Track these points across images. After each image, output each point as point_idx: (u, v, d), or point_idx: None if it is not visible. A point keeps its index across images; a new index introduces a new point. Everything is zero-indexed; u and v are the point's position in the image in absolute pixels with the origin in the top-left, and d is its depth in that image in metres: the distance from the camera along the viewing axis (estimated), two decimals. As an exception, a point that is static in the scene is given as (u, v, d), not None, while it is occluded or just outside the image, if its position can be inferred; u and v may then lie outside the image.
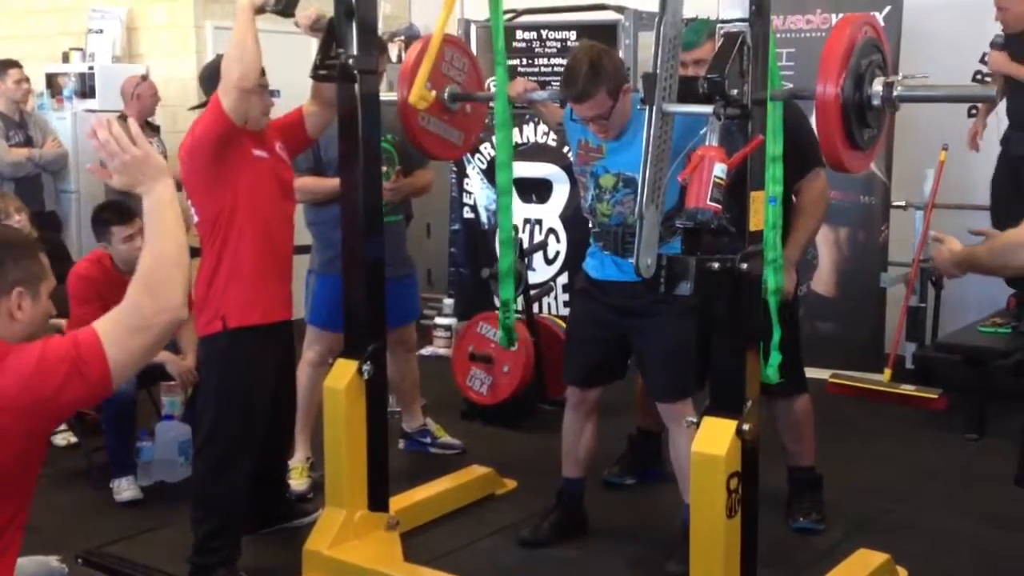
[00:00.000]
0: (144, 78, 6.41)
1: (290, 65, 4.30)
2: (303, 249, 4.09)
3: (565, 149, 5.97)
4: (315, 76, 3.46)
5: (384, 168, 3.83)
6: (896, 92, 2.79)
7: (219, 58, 3.55)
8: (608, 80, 3.30)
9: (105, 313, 2.91)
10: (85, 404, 2.13)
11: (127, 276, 4.22)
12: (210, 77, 3.40)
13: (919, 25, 5.81)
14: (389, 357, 4.47)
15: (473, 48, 6.21)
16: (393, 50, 7.84)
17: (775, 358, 3.11)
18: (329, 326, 4.11)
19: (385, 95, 3.64)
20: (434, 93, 3.62)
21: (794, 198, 3.61)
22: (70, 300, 4.24)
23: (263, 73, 3.37)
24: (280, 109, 3.63)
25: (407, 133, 3.76)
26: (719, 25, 2.83)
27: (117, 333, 2.06)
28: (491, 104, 3.86)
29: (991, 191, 5.39)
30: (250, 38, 3.18)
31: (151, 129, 6.43)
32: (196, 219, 3.42)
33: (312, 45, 3.56)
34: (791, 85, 5.81)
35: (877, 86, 2.78)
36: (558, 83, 5.95)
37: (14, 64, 6.07)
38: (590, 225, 3.59)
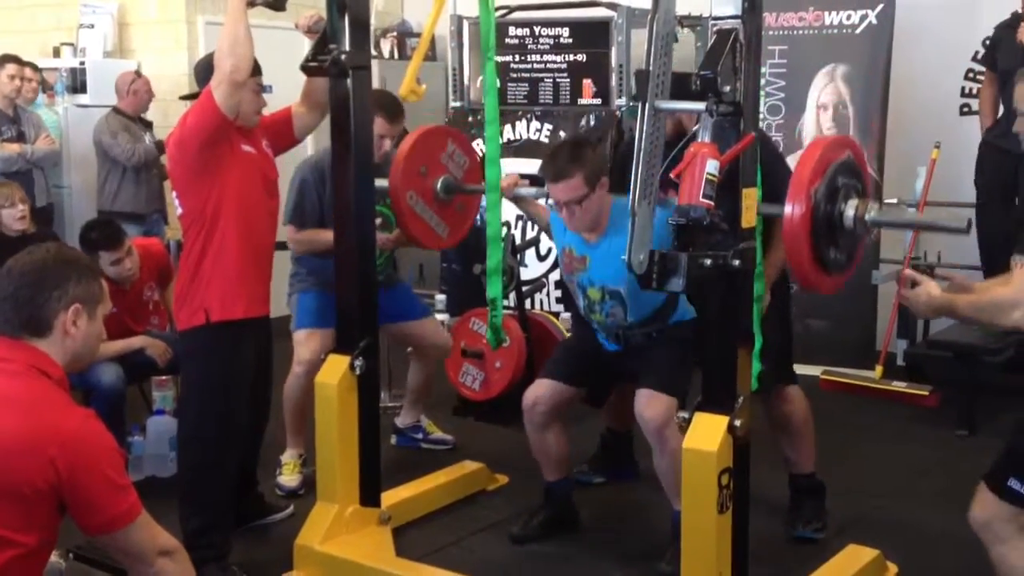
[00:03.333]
0: (139, 74, 6.40)
1: (281, 61, 4.29)
2: (283, 245, 4.11)
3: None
4: (306, 69, 3.46)
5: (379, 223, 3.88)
6: (868, 216, 2.81)
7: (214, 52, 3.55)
8: (587, 166, 3.38)
9: None
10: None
11: (114, 285, 4.25)
12: (205, 70, 3.41)
13: (911, 23, 5.83)
14: (416, 357, 4.50)
15: (466, 45, 6.24)
16: (386, 46, 7.86)
17: (755, 367, 3.07)
18: (318, 324, 4.14)
19: (378, 181, 3.66)
20: (425, 87, 3.62)
21: None
22: None
23: (259, 72, 3.37)
24: (272, 104, 3.62)
25: (395, 212, 3.79)
26: (712, 21, 2.82)
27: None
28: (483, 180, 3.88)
29: (977, 190, 5.39)
30: (242, 31, 3.17)
31: (144, 125, 6.43)
32: (180, 211, 3.41)
33: (305, 42, 3.56)
34: (783, 83, 5.86)
35: (849, 209, 2.80)
36: (550, 80, 6.04)
37: (12, 59, 6.04)
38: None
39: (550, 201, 3.61)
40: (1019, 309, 2.53)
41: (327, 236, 4.05)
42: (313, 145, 7.27)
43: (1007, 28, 5.39)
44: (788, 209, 2.74)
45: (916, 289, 2.73)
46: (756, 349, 3.04)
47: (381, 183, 3.73)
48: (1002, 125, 5.32)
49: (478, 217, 6.36)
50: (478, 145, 6.11)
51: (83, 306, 2.23)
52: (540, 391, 3.64)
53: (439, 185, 3.91)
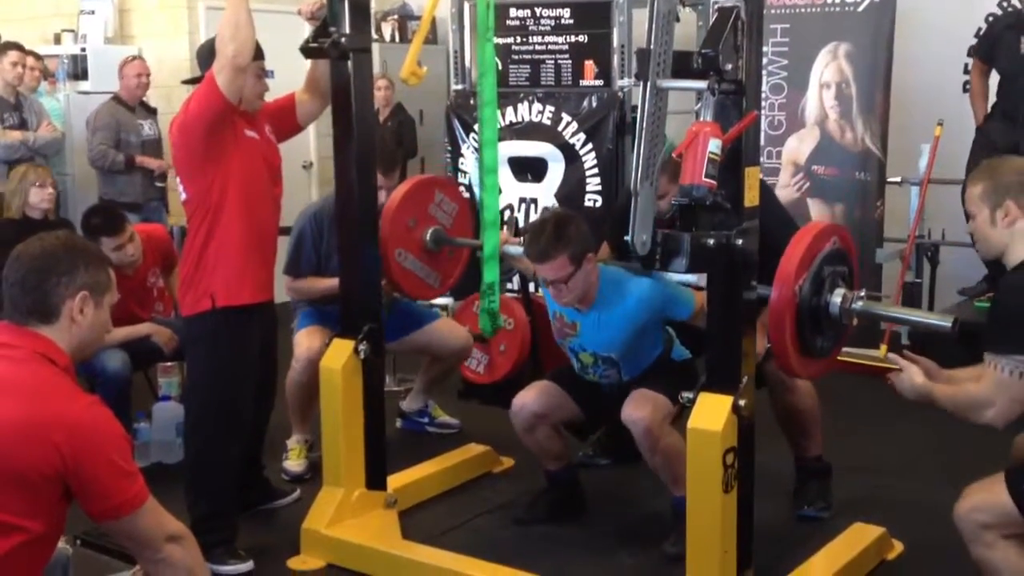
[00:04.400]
0: (134, 58, 6.37)
1: (283, 45, 4.28)
2: (287, 231, 4.13)
3: (560, 128, 5.97)
4: (306, 51, 3.44)
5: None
6: (855, 306, 2.83)
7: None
8: (571, 246, 3.30)
9: None
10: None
11: (117, 269, 4.25)
12: (207, 55, 3.41)
13: (913, 8, 5.80)
14: (432, 360, 4.48)
15: (467, 27, 6.22)
16: (387, 28, 7.84)
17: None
18: (319, 324, 4.19)
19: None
20: (426, 69, 3.61)
21: None
22: None
23: (261, 56, 3.36)
24: (274, 89, 3.62)
25: (384, 267, 3.76)
26: (713, 1, 2.81)
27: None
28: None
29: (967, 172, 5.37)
30: (243, 15, 3.15)
31: (147, 111, 6.41)
32: (184, 196, 3.41)
33: (306, 26, 3.55)
34: (785, 62, 5.83)
35: (836, 297, 2.83)
36: (551, 62, 6.03)
37: (14, 46, 6.03)
38: None
39: None
40: (991, 409, 2.60)
41: (322, 284, 4.11)
42: (315, 149, 7.31)
43: (1008, 28, 5.36)
44: (774, 296, 2.77)
45: (901, 376, 2.84)
46: None
47: None
48: (999, 119, 5.31)
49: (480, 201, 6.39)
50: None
51: (90, 294, 2.23)
52: (530, 395, 3.62)
53: (428, 237, 3.92)
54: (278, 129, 3.57)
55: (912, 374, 2.81)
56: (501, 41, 5.88)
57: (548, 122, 6.02)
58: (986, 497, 2.65)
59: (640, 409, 3.35)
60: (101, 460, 2.10)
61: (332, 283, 3.93)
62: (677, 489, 3.27)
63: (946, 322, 2.86)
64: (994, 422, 2.62)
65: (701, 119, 2.71)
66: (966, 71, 5.93)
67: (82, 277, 2.22)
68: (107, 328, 2.33)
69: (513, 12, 6.08)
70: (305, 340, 4.18)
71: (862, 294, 2.89)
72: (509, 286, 4.85)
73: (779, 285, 2.76)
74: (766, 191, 3.40)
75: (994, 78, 5.48)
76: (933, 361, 2.71)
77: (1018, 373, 2.53)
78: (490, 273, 3.78)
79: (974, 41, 5.76)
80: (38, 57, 6.35)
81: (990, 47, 5.42)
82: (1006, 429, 2.73)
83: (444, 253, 4.01)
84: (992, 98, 5.52)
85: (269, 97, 3.55)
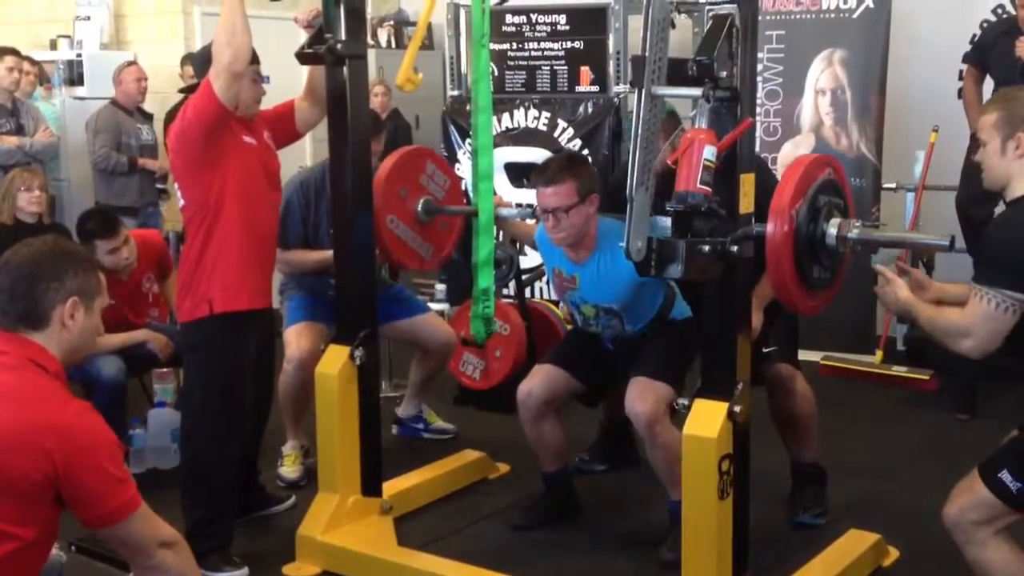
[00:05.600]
0: (131, 63, 6.37)
1: (278, 52, 4.28)
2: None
3: (555, 133, 5.97)
4: (301, 57, 3.45)
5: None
6: (851, 234, 2.80)
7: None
8: (580, 178, 3.37)
9: None
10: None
11: (112, 275, 4.24)
12: (204, 60, 3.41)
13: (909, 6, 5.81)
14: (420, 356, 4.49)
15: (462, 33, 6.22)
16: (383, 35, 7.84)
17: None
18: (307, 319, 4.18)
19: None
20: (421, 75, 3.61)
21: None
22: None
23: (257, 61, 3.36)
24: (269, 94, 3.62)
25: (376, 236, 3.72)
26: (708, 6, 2.81)
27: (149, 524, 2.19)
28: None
29: (961, 182, 5.36)
30: (240, 20, 3.15)
31: (144, 117, 6.42)
32: (182, 202, 3.41)
33: (302, 33, 3.55)
34: (780, 68, 5.84)
35: (832, 227, 2.80)
36: (547, 68, 6.03)
37: (10, 51, 6.03)
38: None
39: (535, 225, 3.62)
40: (968, 339, 2.58)
41: (312, 257, 4.09)
42: (311, 155, 7.30)
43: (1003, 35, 5.36)
44: (770, 228, 2.73)
45: (886, 288, 2.78)
46: None
47: None
48: None
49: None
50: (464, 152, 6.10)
51: (80, 299, 2.22)
52: (536, 380, 3.63)
53: (420, 207, 3.91)
54: (277, 135, 3.57)
55: (898, 287, 2.76)
56: (497, 47, 5.88)
57: (544, 128, 6.03)
58: (969, 495, 2.66)
59: (643, 402, 3.35)
60: (92, 466, 2.09)
61: (323, 255, 3.93)
62: (675, 492, 3.27)
63: (944, 241, 2.83)
64: (970, 352, 2.60)
65: (696, 126, 2.71)
66: (961, 77, 5.93)
67: (72, 282, 2.21)
68: (98, 332, 2.32)
69: (509, 18, 6.08)
70: (295, 340, 4.16)
71: (857, 223, 2.84)
72: (505, 291, 4.84)
73: (775, 216, 2.72)
74: (760, 165, 3.42)
75: (988, 84, 5.48)
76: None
77: (1003, 307, 2.51)
78: (484, 279, 3.78)
79: (969, 48, 5.77)
80: (34, 62, 6.35)
81: (984, 53, 5.43)
82: (1001, 431, 2.73)
83: (436, 224, 3.98)
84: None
85: (266, 104, 3.55)
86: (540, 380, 3.62)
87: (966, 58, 5.67)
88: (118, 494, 2.12)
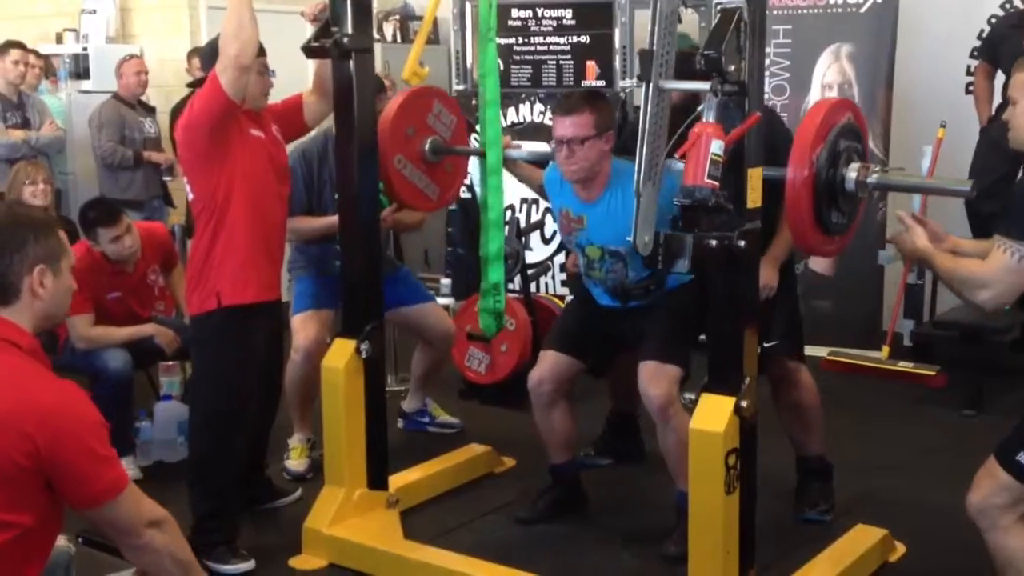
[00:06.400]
0: (132, 56, 6.37)
1: (284, 45, 4.28)
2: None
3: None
4: (307, 50, 3.44)
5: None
6: (870, 179, 2.78)
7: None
8: (600, 111, 3.37)
9: (92, 302, 2.89)
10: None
11: (117, 266, 4.24)
12: (211, 54, 3.41)
13: (915, 9, 5.79)
14: (421, 346, 4.50)
15: (468, 27, 6.21)
16: (388, 29, 7.83)
17: None
18: (314, 306, 4.18)
19: None
20: (427, 69, 3.60)
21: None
22: None
23: (263, 53, 3.36)
24: (276, 88, 3.62)
25: (383, 177, 3.70)
26: (716, 1, 2.80)
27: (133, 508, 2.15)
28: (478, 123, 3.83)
29: (970, 176, 5.36)
30: (246, 14, 3.15)
31: (146, 110, 6.42)
32: (191, 196, 3.41)
33: (307, 26, 3.55)
34: (787, 63, 5.83)
35: (851, 172, 2.78)
36: (553, 62, 6.02)
37: (16, 45, 6.03)
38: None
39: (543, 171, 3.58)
40: (987, 290, 2.58)
41: (317, 223, 4.08)
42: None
43: (1011, 28, 5.35)
44: (791, 174, 2.71)
45: (903, 235, 2.78)
46: None
47: None
48: (999, 124, 5.30)
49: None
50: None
51: (47, 265, 2.15)
52: (544, 367, 3.62)
53: (427, 147, 3.84)
54: (285, 129, 3.58)
55: (916, 235, 2.75)
56: (503, 42, 5.87)
57: (550, 123, 6.01)
58: (991, 482, 2.66)
59: (656, 386, 3.35)
60: (76, 447, 2.05)
61: (327, 221, 3.93)
62: (683, 482, 3.25)
63: (965, 187, 2.81)
64: (986, 303, 2.60)
65: (704, 120, 2.71)
66: (968, 73, 5.92)
67: (35, 249, 2.13)
68: (71, 290, 2.24)
69: (515, 12, 6.07)
70: (301, 329, 4.17)
71: (876, 167, 2.82)
72: (511, 286, 4.85)
73: (796, 161, 2.71)
74: (775, 118, 3.38)
75: (999, 80, 5.47)
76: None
77: None
78: (495, 273, 3.76)
79: (977, 43, 5.76)
80: (39, 55, 6.35)
81: (994, 48, 5.42)
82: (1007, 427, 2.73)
83: (443, 165, 3.93)
84: (997, 99, 5.51)
85: (273, 98, 3.55)
86: (547, 367, 3.61)
87: (976, 53, 5.65)
88: (104, 474, 2.08)
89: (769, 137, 2.87)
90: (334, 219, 3.75)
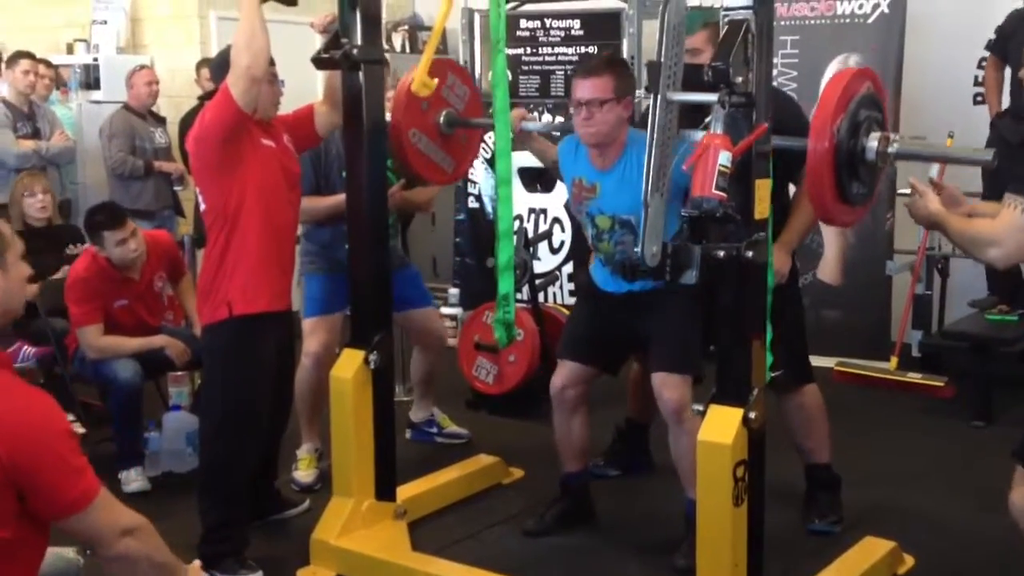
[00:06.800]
0: (143, 67, 6.41)
1: (292, 57, 4.30)
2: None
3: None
4: (317, 62, 3.46)
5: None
6: (891, 149, 2.78)
7: (230, 47, 3.57)
8: (621, 76, 3.34)
9: (101, 311, 2.85)
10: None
11: (123, 273, 4.25)
12: (221, 65, 3.42)
13: (924, 11, 5.80)
14: (418, 349, 4.50)
15: (477, 38, 6.23)
16: (397, 39, 7.86)
17: (768, 359, 3.03)
18: (324, 311, 4.18)
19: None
20: (436, 81, 3.61)
21: (791, 187, 3.57)
22: (67, 301, 4.24)
23: (272, 63, 3.37)
24: (285, 99, 3.63)
25: (397, 151, 3.70)
26: (723, 13, 2.81)
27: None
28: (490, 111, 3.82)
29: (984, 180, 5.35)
30: (258, 25, 3.17)
31: (156, 120, 6.44)
32: (203, 207, 3.43)
33: (316, 38, 3.57)
34: (795, 73, 5.84)
35: (872, 141, 2.77)
36: (561, 72, 6.03)
37: (25, 55, 6.06)
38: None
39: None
40: (996, 248, 2.59)
41: (325, 203, 4.06)
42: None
43: (1022, 22, 5.34)
44: (812, 144, 2.70)
45: (917, 199, 2.77)
46: (767, 341, 3.02)
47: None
48: (1009, 118, 5.30)
49: (489, 210, 6.42)
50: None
51: None
52: (563, 374, 3.62)
53: (442, 119, 3.82)
54: (297, 139, 3.59)
55: (929, 200, 2.75)
56: (511, 52, 5.89)
57: (557, 134, 6.01)
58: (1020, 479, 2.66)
59: (671, 389, 3.36)
60: (44, 459, 1.98)
61: (336, 199, 3.92)
62: (692, 490, 3.22)
63: (986, 156, 2.80)
64: (995, 262, 2.62)
65: (711, 131, 2.71)
66: (976, 83, 5.92)
67: None
68: (24, 278, 2.16)
69: (523, 23, 6.09)
70: (312, 335, 4.19)
71: (897, 137, 2.81)
72: (519, 296, 4.85)
73: (817, 132, 2.70)
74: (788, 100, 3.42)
75: (1007, 74, 5.47)
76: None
77: None
78: (505, 284, 3.75)
79: (985, 54, 5.75)
80: (49, 65, 6.39)
81: (1005, 42, 5.42)
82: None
83: (457, 137, 3.92)
84: (1007, 96, 5.51)
85: (283, 109, 3.57)
86: (566, 373, 3.62)
87: (989, 47, 5.65)
88: (74, 484, 2.01)
89: (786, 128, 2.87)
90: (341, 198, 3.75)
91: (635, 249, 3.36)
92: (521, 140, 3.83)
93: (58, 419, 2.05)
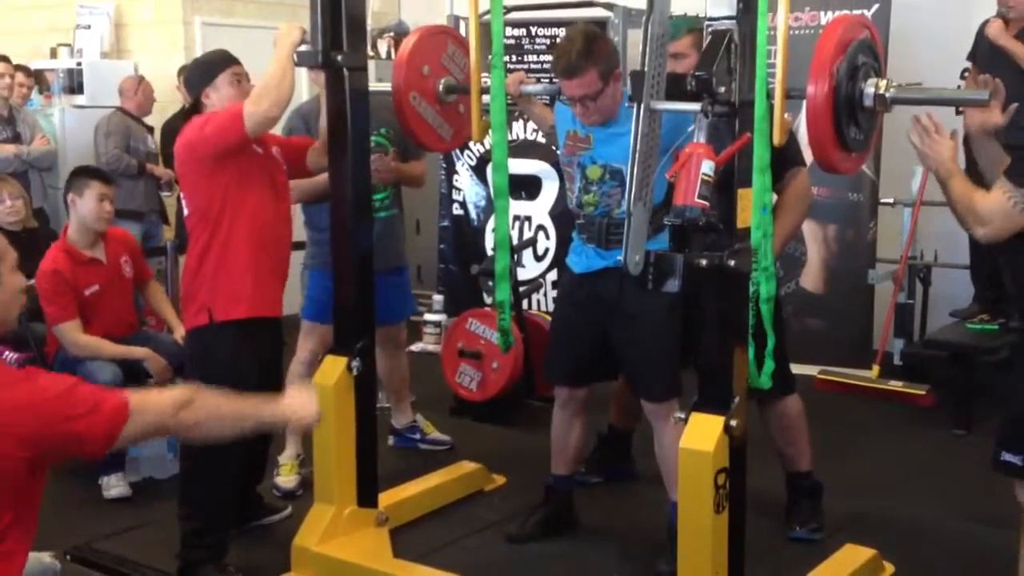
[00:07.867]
0: (142, 78, 6.48)
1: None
2: (299, 245, 4.13)
3: (554, 146, 5.98)
4: (299, 56, 3.41)
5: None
6: (888, 93, 2.78)
7: (205, 55, 3.59)
8: (600, 61, 3.29)
9: (75, 306, 2.82)
10: (90, 445, 2.09)
11: (91, 252, 4.22)
12: (196, 75, 3.44)
13: (907, 23, 5.83)
14: (379, 353, 4.47)
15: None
16: (383, 46, 7.85)
17: (769, 366, 3.01)
18: (320, 318, 4.13)
19: (378, 85, 3.65)
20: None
21: (774, 196, 3.58)
22: (41, 300, 4.17)
23: (237, 62, 3.47)
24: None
25: (399, 114, 3.72)
26: (707, 22, 2.82)
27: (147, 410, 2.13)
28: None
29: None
30: (290, 74, 3.26)
31: (146, 128, 6.46)
32: (186, 211, 3.43)
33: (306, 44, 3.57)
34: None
35: (869, 87, 2.77)
36: (547, 80, 6.03)
37: (1, 59, 6.06)
38: (575, 218, 3.59)
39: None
40: (985, 228, 2.72)
41: (315, 179, 4.01)
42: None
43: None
44: (811, 88, 2.72)
45: (934, 146, 2.80)
46: (769, 348, 2.98)
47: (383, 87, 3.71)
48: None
49: (474, 217, 6.42)
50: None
51: None
52: (564, 395, 3.68)
53: (441, 86, 3.83)
54: (288, 160, 3.62)
55: (946, 147, 2.80)
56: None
57: (543, 140, 6.04)
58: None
59: (657, 410, 3.43)
60: (62, 415, 2.02)
61: (324, 177, 3.83)
62: (675, 492, 3.21)
63: (982, 96, 2.82)
64: (983, 238, 2.76)
65: (695, 140, 2.72)
66: (959, 93, 5.95)
67: None
68: (18, 289, 2.18)
69: (508, 31, 6.09)
70: (305, 340, 4.22)
71: (894, 83, 2.83)
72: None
73: (816, 74, 2.71)
74: None
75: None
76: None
77: (1020, 208, 2.65)
78: (501, 292, 3.75)
79: (967, 64, 5.79)
80: (29, 73, 6.38)
81: (975, 48, 5.47)
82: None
83: (456, 106, 3.92)
84: None
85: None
86: (566, 395, 3.68)
87: (969, 57, 5.69)
88: (100, 417, 2.04)
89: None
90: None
91: (619, 204, 3.37)
92: (521, 104, 3.84)
93: (59, 380, 2.09)
